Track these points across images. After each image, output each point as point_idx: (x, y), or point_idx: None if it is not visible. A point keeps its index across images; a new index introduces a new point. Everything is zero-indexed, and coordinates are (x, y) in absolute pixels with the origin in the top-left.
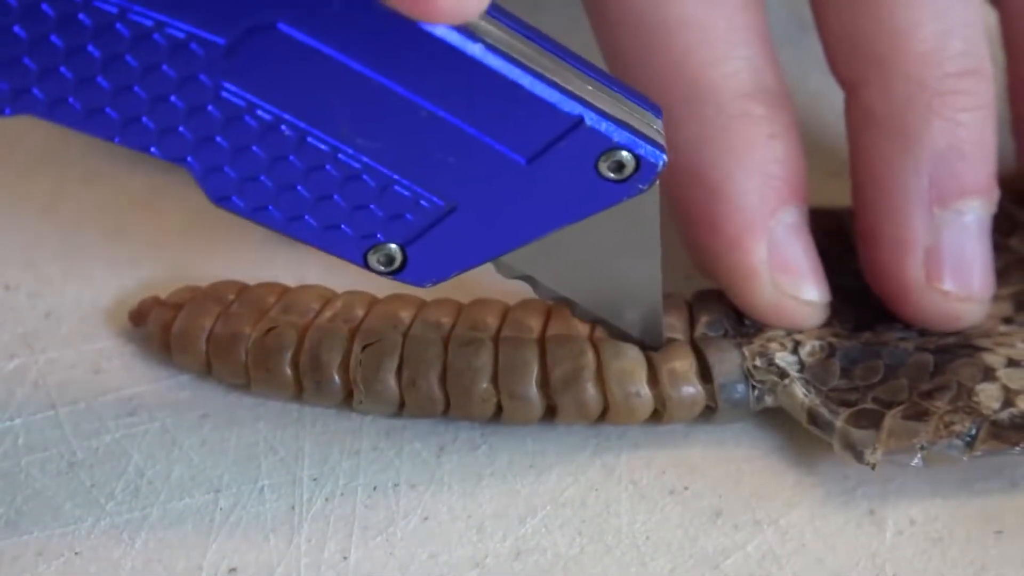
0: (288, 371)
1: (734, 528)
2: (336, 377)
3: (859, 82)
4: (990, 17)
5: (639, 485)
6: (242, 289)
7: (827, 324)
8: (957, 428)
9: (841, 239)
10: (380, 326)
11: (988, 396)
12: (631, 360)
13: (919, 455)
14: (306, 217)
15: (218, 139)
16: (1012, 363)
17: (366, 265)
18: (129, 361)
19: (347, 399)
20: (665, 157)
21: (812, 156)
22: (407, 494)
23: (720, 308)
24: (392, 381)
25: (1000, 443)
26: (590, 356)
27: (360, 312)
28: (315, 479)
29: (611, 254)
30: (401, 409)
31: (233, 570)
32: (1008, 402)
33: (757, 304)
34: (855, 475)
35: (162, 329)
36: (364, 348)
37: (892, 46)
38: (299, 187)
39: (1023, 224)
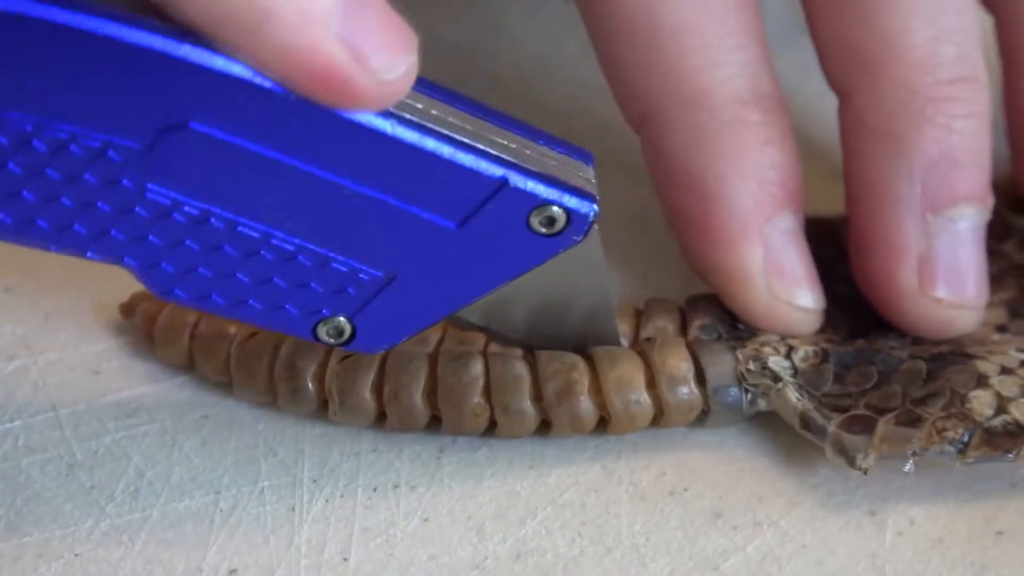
0: (267, 376)
1: (734, 529)
2: (310, 385)
3: (852, 88)
4: (985, 22)
5: (639, 487)
6: None
7: (820, 331)
8: (950, 434)
9: (833, 244)
10: None
11: (981, 403)
12: (629, 366)
13: (911, 461)
14: (250, 301)
15: (151, 237)
16: (1005, 371)
17: (316, 339)
18: (129, 363)
19: (322, 408)
20: (596, 208)
21: (811, 159)
22: (407, 495)
23: (713, 312)
24: (368, 394)
25: (992, 450)
26: (582, 369)
27: None
28: (315, 480)
29: (560, 297)
30: (380, 422)
31: (233, 571)
32: (1001, 409)
33: (752, 308)
34: (855, 476)
35: (147, 321)
36: (342, 360)
37: (885, 52)
38: (238, 274)
39: (1017, 229)
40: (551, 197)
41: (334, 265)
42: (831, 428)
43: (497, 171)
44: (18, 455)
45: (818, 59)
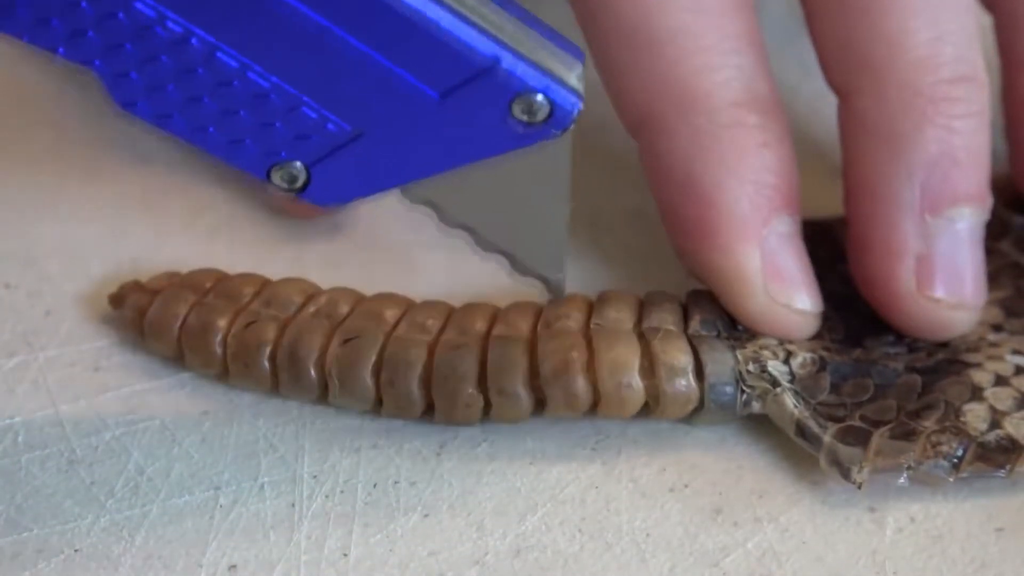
0: (266, 365)
1: (734, 526)
2: (312, 372)
3: (852, 89)
4: (985, 21)
5: (639, 483)
6: (220, 279)
7: (818, 335)
8: (944, 449)
9: (829, 244)
10: (363, 324)
11: (975, 417)
12: (626, 350)
13: (905, 474)
14: (211, 129)
15: (127, 46)
16: (1000, 381)
17: (269, 180)
18: (129, 359)
19: (324, 394)
20: (581, 104)
21: (811, 159)
22: (407, 491)
23: (714, 309)
24: (368, 378)
25: (986, 465)
26: (581, 348)
27: (344, 309)
28: (315, 476)
29: (520, 189)
30: (377, 407)
31: (233, 567)
32: (995, 423)
33: (750, 311)
34: None
35: (137, 313)
36: (344, 343)
37: (885, 53)
38: (205, 99)
39: (1014, 228)
40: (538, 86)
41: (304, 110)
42: (827, 439)
43: (490, 50)
44: (18, 451)
45: (818, 60)
